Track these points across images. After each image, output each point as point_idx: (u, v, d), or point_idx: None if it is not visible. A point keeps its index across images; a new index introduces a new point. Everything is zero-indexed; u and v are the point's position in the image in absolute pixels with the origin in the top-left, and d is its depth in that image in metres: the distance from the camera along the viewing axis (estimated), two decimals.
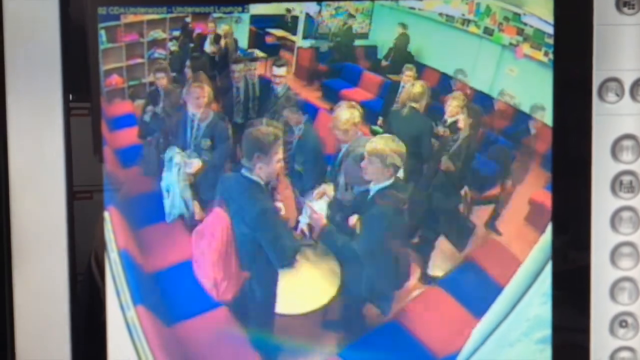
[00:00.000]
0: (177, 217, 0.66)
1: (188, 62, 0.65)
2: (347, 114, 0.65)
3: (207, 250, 0.65)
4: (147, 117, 0.66)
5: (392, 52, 0.64)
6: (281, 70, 0.66)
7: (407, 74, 0.64)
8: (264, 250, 0.65)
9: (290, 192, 0.67)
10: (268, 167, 0.65)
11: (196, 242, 0.66)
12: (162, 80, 0.65)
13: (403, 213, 0.64)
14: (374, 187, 0.65)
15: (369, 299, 0.65)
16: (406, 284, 0.65)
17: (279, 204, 0.66)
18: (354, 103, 0.65)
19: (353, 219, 0.65)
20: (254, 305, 0.65)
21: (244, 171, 0.65)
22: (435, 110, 0.64)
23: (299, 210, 0.66)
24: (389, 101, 0.66)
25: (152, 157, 0.66)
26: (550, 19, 0.59)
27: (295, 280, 0.66)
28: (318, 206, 0.66)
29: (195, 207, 0.67)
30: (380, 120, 0.66)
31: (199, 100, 0.66)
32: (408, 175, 0.64)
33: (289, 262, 0.65)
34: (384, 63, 0.65)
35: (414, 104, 0.65)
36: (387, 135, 0.64)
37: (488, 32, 0.63)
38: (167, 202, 0.66)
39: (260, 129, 0.64)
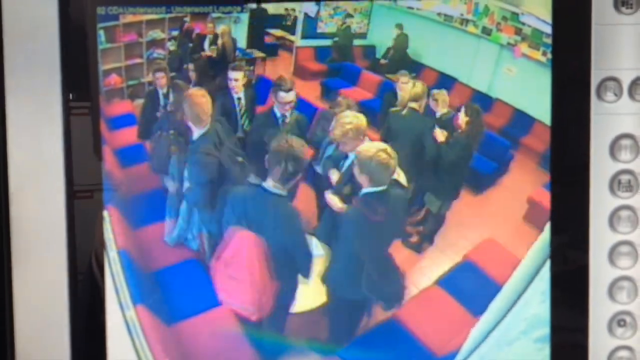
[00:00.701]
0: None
1: (188, 63, 0.65)
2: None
3: (249, 278, 0.64)
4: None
5: (390, 52, 0.64)
6: (290, 96, 0.65)
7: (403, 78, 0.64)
8: (293, 258, 0.64)
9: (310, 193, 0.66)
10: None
11: (221, 269, 0.64)
12: (162, 79, 0.65)
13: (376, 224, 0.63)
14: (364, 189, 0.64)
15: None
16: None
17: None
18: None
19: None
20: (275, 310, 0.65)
21: (265, 185, 0.64)
22: (431, 110, 0.65)
23: (320, 209, 0.66)
24: (387, 101, 0.66)
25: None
26: (549, 19, 0.59)
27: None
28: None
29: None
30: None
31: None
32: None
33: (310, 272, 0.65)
34: (382, 62, 0.65)
35: (413, 104, 0.65)
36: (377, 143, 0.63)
37: (486, 31, 0.63)
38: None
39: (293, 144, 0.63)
